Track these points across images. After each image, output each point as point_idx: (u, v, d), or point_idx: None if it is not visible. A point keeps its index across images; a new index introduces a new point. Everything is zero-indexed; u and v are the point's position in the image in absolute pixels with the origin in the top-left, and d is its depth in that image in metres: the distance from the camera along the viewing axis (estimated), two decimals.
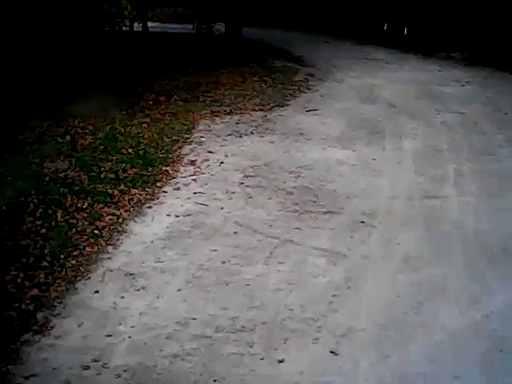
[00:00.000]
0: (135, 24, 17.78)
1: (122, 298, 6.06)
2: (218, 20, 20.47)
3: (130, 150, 9.65)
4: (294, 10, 21.73)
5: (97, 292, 6.15)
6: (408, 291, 6.18)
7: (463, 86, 13.89)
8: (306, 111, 12.07)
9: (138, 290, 6.20)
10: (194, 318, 5.73)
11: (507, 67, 15.50)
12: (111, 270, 6.51)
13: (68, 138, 9.82)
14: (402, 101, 12.73)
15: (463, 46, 17.39)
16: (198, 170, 9.17)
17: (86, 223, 7.35)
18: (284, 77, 14.53)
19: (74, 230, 7.18)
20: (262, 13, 18.89)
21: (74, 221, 7.37)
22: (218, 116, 11.75)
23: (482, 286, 6.25)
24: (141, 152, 9.62)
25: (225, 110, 12.05)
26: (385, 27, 20.00)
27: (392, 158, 9.68)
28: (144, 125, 10.96)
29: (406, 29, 18.96)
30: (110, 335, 5.50)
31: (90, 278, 6.39)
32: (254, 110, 12.11)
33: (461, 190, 8.50)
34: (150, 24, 21.50)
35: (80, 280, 6.35)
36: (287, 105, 12.54)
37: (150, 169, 9.02)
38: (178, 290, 6.19)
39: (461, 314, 5.85)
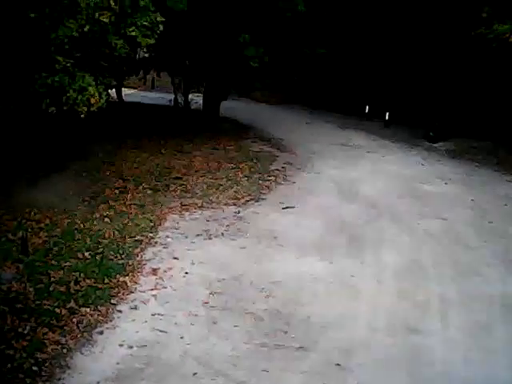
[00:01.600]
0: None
1: None
2: (196, 90, 20.01)
3: (86, 254, 8.80)
4: (275, 85, 21.34)
5: None
6: None
7: (446, 184, 13.32)
8: (282, 208, 11.37)
9: None
10: None
11: (490, 162, 15.08)
12: None
13: (20, 234, 8.97)
14: (383, 200, 12.08)
15: (446, 135, 17.03)
16: (160, 281, 8.33)
17: (25, 355, 6.44)
18: (261, 164, 13.88)
19: (9, 365, 6.26)
20: (245, 85, 18.19)
21: (11, 352, 6.46)
22: (187, 210, 10.99)
23: None
24: (98, 257, 8.78)
25: (196, 204, 11.30)
26: (366, 110, 19.66)
27: (372, 274, 8.93)
28: (106, 219, 10.14)
29: (387, 113, 18.58)
30: None
31: None
32: (227, 205, 11.37)
33: (446, 322, 7.74)
34: (126, 91, 20.94)
35: None
36: (263, 199, 11.83)
37: (106, 280, 8.15)
38: None
39: None
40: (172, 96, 20.54)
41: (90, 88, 9.65)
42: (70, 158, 11.42)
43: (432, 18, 16.89)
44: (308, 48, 15.35)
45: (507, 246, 10.19)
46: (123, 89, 20.13)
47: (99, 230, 9.67)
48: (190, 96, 19.83)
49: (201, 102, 18.81)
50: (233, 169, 13.44)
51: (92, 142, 12.52)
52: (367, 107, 19.62)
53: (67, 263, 8.45)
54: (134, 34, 10.06)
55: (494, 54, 14.74)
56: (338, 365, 6.71)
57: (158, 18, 10.27)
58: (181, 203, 11.28)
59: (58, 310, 7.28)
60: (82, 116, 9.70)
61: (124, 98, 19.90)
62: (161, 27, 10.36)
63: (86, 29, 9.55)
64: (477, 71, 16.65)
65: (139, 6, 10.03)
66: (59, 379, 6.22)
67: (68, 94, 9.53)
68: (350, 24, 18.67)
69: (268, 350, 6.93)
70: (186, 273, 8.63)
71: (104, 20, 9.38)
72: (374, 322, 7.67)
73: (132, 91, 21.45)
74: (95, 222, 9.98)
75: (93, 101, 9.68)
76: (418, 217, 11.31)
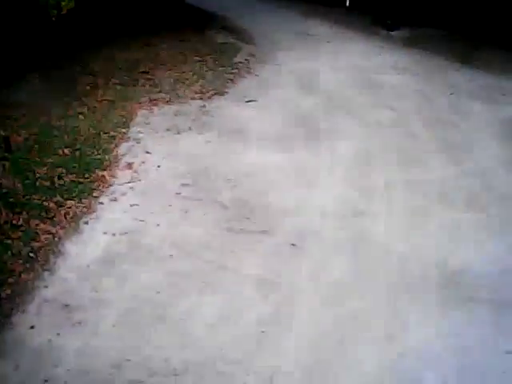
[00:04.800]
0: None
1: (58, 334, 6.25)
2: None
3: (66, 151, 9.59)
4: None
5: (32, 327, 6.32)
6: (332, 328, 6.59)
7: (399, 74, 14.07)
8: (246, 102, 12.12)
9: (74, 324, 6.40)
10: (129, 360, 6.00)
11: (441, 51, 15.75)
12: (47, 301, 6.67)
13: (2, 132, 9.67)
14: (340, 92, 12.85)
15: (403, 23, 17.54)
16: (135, 175, 9.24)
17: (21, 244, 7.41)
18: (225, 57, 14.38)
19: (9, 252, 7.24)
20: None
21: (9, 241, 7.42)
22: (156, 105, 11.68)
23: (400, 322, 6.71)
24: (77, 153, 9.58)
25: (164, 98, 11.97)
26: None
27: (326, 165, 9.92)
28: (80, 116, 10.82)
29: (348, 0, 18.93)
30: (47, 380, 5.72)
31: (25, 310, 6.54)
32: (194, 99, 12.07)
33: (389, 207, 8.87)
34: None
35: (16, 313, 6.48)
36: (227, 92, 12.52)
37: (86, 174, 9.02)
38: (114, 326, 6.42)
39: (379, 353, 6.31)
40: None
41: None
42: (41, 59, 11.81)
43: None
44: None
45: (450, 135, 11.25)
46: None
47: (75, 127, 10.37)
48: None
49: None
50: (198, 62, 13.95)
51: (61, 40, 12.80)
52: None
53: (49, 159, 9.24)
54: None
55: None
56: (294, 245, 7.87)
57: None
58: (149, 98, 11.92)
59: (46, 204, 8.19)
60: (54, 19, 10.15)
61: None
62: None
63: None
64: None
65: None
66: (54, 263, 7.24)
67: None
68: None
69: (234, 234, 8.02)
70: (159, 166, 9.53)
71: None
72: (326, 208, 8.77)
73: None
74: (70, 120, 10.65)
75: (63, 4, 10.12)
76: (370, 107, 12.18)
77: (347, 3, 19.08)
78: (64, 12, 10.17)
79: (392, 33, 17.31)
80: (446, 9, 16.78)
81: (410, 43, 16.52)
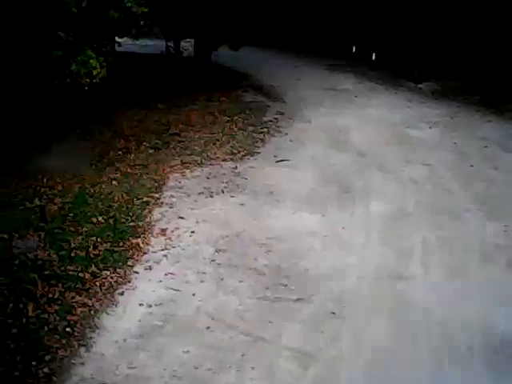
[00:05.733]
0: None
1: None
2: (186, 36, 20.31)
3: (100, 218, 9.60)
4: (265, 29, 21.53)
5: None
6: None
7: (430, 128, 14.08)
8: (276, 162, 12.13)
9: None
10: None
11: (471, 102, 15.75)
12: (84, 380, 6.53)
13: (37, 202, 9.76)
14: (371, 148, 12.86)
15: (430, 75, 17.59)
16: (169, 242, 9.19)
17: (58, 318, 7.33)
18: (254, 116, 14.55)
19: (45, 328, 7.16)
20: (232, 30, 18.51)
21: (46, 315, 7.34)
22: (188, 168, 11.74)
23: None
24: (111, 220, 9.58)
25: (195, 161, 12.04)
26: (353, 50, 20.11)
27: (360, 226, 9.81)
28: (114, 182, 10.90)
29: (374, 54, 19.09)
30: None
31: None
32: (225, 160, 12.13)
33: (426, 269, 8.69)
34: (116, 38, 21.17)
35: None
36: (257, 153, 12.58)
37: (120, 243, 8.99)
38: None
39: None
40: (161, 42, 20.88)
41: (92, 61, 10.25)
42: (73, 124, 12.02)
43: None
44: None
45: (486, 190, 11.08)
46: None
47: (109, 194, 10.43)
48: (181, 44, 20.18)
49: (191, 49, 19.25)
50: (228, 122, 14.10)
51: (92, 105, 13.05)
52: (354, 47, 20.08)
53: (84, 228, 9.25)
54: (129, 4, 10.61)
55: None
56: (333, 313, 7.68)
57: None
58: (181, 161, 12.01)
59: (81, 275, 8.14)
60: (86, 88, 10.33)
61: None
62: None
63: (83, 4, 10.09)
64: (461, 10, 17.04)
65: None
66: (90, 338, 7.13)
67: (71, 68, 10.13)
68: None
69: (271, 303, 7.86)
70: (192, 232, 9.47)
71: None
72: (362, 272, 8.60)
73: (123, 39, 21.63)
74: (104, 186, 10.72)
75: (95, 72, 10.31)
76: (403, 164, 12.13)
77: (373, 57, 19.26)
78: (96, 80, 10.34)
79: (420, 85, 17.37)
80: (473, 61, 16.82)
81: (438, 95, 16.57)
